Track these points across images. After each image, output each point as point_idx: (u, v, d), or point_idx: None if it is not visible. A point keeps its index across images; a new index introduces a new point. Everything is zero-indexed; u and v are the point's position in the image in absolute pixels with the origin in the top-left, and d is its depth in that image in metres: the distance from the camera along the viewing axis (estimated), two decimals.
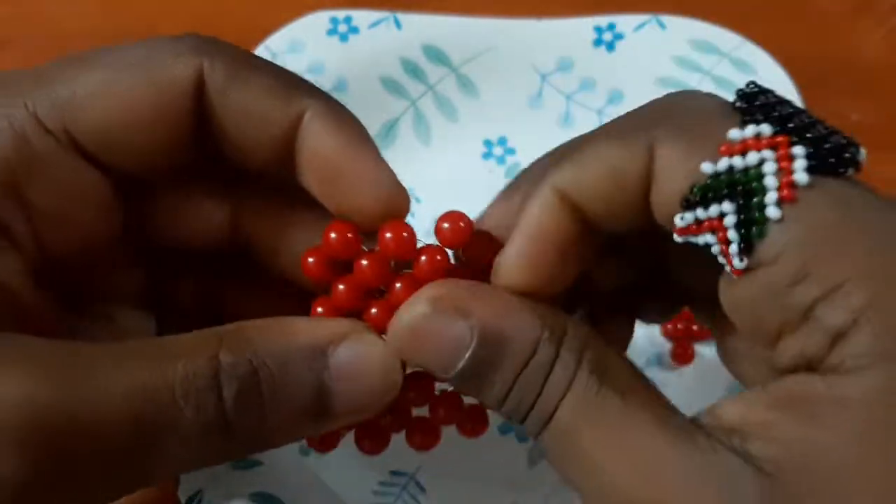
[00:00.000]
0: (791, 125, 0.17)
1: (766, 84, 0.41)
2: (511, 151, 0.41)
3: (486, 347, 0.18)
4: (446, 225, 0.21)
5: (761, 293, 0.17)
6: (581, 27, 0.41)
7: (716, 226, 0.17)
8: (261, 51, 0.40)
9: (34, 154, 0.19)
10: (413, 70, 0.41)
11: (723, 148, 0.17)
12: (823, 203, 0.16)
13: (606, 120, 0.40)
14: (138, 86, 0.19)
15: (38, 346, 0.17)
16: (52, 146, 0.19)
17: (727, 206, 0.17)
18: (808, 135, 0.17)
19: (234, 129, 0.20)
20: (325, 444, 0.22)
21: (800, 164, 0.16)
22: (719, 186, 0.17)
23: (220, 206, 0.23)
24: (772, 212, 0.16)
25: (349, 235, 0.21)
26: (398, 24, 0.41)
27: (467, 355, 0.18)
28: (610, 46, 0.41)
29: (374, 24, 0.41)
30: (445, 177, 0.40)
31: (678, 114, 0.18)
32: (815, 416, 0.16)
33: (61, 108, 0.19)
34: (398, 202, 0.21)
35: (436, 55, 0.41)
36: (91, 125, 0.19)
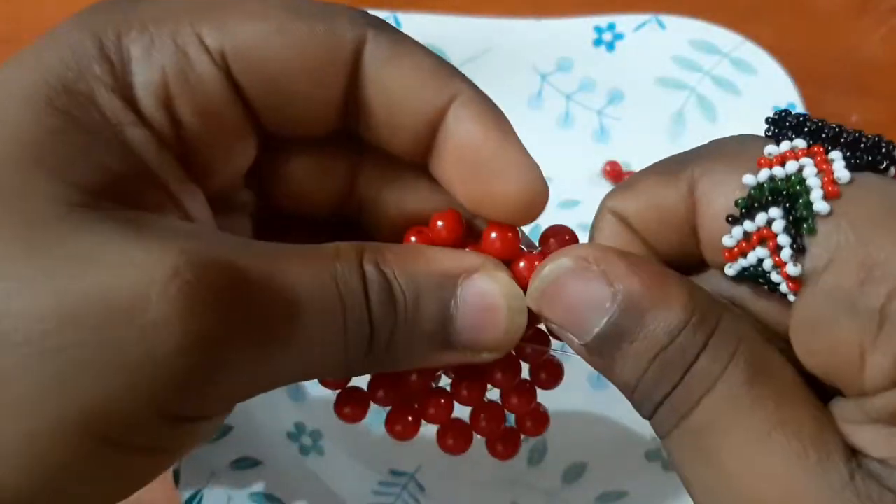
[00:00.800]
0: (823, 135, 0.17)
1: (766, 84, 0.41)
2: None
3: (627, 317, 0.17)
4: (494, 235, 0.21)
5: (829, 305, 0.16)
6: (581, 27, 0.41)
7: (765, 235, 0.17)
8: None
9: (190, 68, 0.19)
10: None
11: (761, 161, 0.17)
12: (869, 196, 0.16)
13: (606, 120, 0.41)
14: (307, 32, 0.19)
15: (215, 230, 0.19)
16: (209, 65, 0.19)
17: (774, 212, 0.17)
18: (842, 139, 0.17)
19: (383, 104, 0.20)
20: (354, 414, 0.22)
21: (839, 164, 0.16)
22: (762, 195, 0.17)
23: (342, 168, 0.23)
24: (820, 206, 0.16)
25: (456, 225, 0.21)
26: (398, 24, 0.41)
27: (604, 321, 0.17)
28: (610, 46, 0.41)
29: None
30: None
31: (715, 147, 0.19)
32: None
33: (225, 33, 0.19)
34: (539, 198, 0.20)
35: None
36: (252, 63, 0.19)
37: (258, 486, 0.30)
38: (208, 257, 0.16)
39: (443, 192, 0.22)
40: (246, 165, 0.22)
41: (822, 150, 0.17)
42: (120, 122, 0.18)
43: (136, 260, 0.16)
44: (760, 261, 0.17)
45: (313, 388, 0.34)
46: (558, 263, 0.18)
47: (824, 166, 0.16)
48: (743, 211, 0.17)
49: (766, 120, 0.18)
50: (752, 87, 0.39)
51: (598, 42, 0.41)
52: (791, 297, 0.17)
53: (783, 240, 0.16)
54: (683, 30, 0.40)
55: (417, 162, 0.21)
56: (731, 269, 0.18)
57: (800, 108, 0.37)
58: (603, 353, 0.18)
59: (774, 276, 0.17)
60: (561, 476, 0.33)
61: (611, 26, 0.40)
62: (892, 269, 0.15)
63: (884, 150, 0.17)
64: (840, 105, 0.42)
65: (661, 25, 0.40)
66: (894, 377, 0.16)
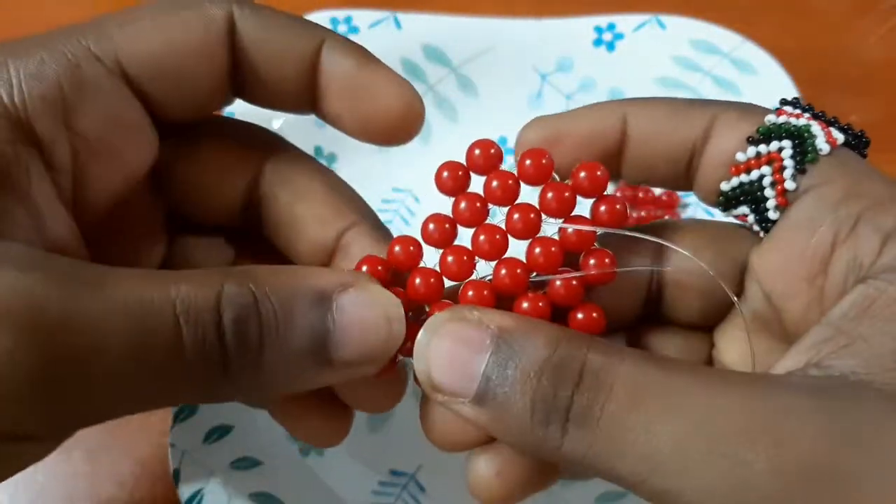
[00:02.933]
0: (824, 118, 0.21)
1: (766, 84, 0.41)
2: (511, 151, 0.40)
3: (506, 346, 0.18)
4: (529, 162, 0.21)
5: (814, 211, 0.19)
6: (581, 27, 0.41)
7: (773, 157, 0.20)
8: None
9: (85, 79, 0.20)
10: (413, 70, 0.41)
11: (779, 111, 0.21)
12: (855, 155, 0.20)
13: None
14: (181, 20, 0.21)
15: (44, 255, 0.18)
16: (103, 72, 0.20)
17: (786, 142, 0.20)
18: (835, 124, 0.21)
19: (263, 64, 0.22)
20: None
21: (836, 132, 0.20)
22: (779, 130, 0.20)
23: (239, 168, 0.24)
24: (822, 145, 0.20)
25: (492, 151, 0.22)
26: (398, 24, 0.41)
27: (487, 357, 0.18)
28: (610, 46, 0.41)
29: (375, 24, 0.41)
30: None
31: (728, 102, 0.22)
32: (882, 313, 0.17)
33: (112, 40, 0.21)
34: (415, 111, 0.23)
35: (436, 55, 0.41)
36: (138, 53, 0.21)
37: (258, 486, 0.30)
38: (31, 301, 0.16)
39: (335, 200, 0.23)
40: (149, 162, 0.22)
41: (823, 123, 0.21)
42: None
43: None
44: (761, 177, 0.20)
45: None
46: (435, 318, 0.19)
47: (825, 129, 0.20)
48: (760, 137, 0.20)
49: (780, 101, 0.22)
50: (752, 87, 0.39)
51: (598, 42, 0.41)
52: (773, 215, 0.20)
53: (788, 162, 0.20)
54: (683, 30, 0.40)
55: (307, 110, 0.23)
56: (727, 185, 0.21)
57: None
58: (494, 391, 0.18)
59: (768, 192, 0.20)
60: None
61: (611, 26, 0.40)
62: (873, 193, 0.19)
63: (865, 141, 0.21)
64: (840, 105, 0.42)
65: (661, 25, 0.40)
66: (849, 273, 0.19)
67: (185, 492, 0.29)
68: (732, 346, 0.22)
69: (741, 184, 0.21)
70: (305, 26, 0.22)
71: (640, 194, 0.40)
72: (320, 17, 0.40)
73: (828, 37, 0.46)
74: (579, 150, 0.22)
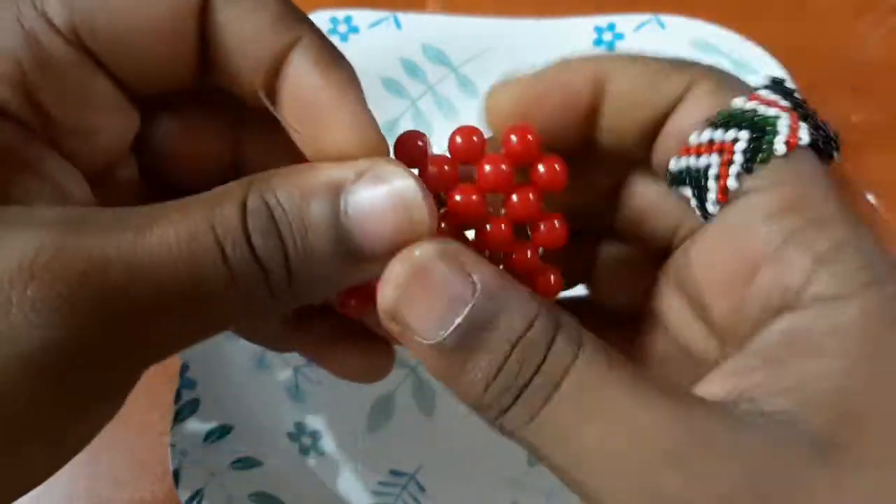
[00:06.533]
0: (802, 110, 0.19)
1: None
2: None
3: (487, 304, 0.17)
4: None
5: (748, 218, 0.18)
6: (581, 27, 0.41)
7: (725, 147, 0.19)
8: None
9: (46, 55, 0.18)
10: (413, 70, 0.41)
11: (752, 95, 0.19)
12: (814, 161, 0.19)
13: None
14: None
15: (84, 211, 0.17)
16: (64, 47, 0.19)
17: (743, 133, 0.19)
18: (811, 120, 0.19)
19: (227, 49, 0.20)
20: (358, 307, 0.21)
21: (804, 130, 0.19)
22: (741, 118, 0.19)
23: (221, 136, 0.23)
24: (779, 147, 0.18)
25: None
26: (398, 24, 0.41)
27: (466, 310, 0.17)
28: (610, 46, 0.40)
29: (375, 24, 0.41)
30: None
31: (715, 69, 0.20)
32: (812, 349, 0.17)
33: (72, 9, 0.19)
34: (374, 151, 0.20)
35: (436, 55, 0.41)
36: (103, 28, 0.19)
37: (258, 486, 0.30)
38: (64, 252, 0.16)
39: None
40: (130, 135, 0.21)
41: (797, 116, 0.19)
42: None
43: None
44: (708, 167, 0.19)
45: (313, 388, 0.34)
46: (420, 252, 0.18)
47: (794, 125, 0.19)
48: (719, 122, 0.19)
49: (770, 78, 0.20)
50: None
51: (598, 42, 0.41)
52: (712, 209, 0.19)
53: (738, 157, 0.18)
54: (683, 30, 0.40)
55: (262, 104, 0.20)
56: (675, 164, 0.20)
57: None
58: (461, 347, 0.17)
59: (710, 184, 0.19)
60: None
61: (611, 26, 0.40)
62: (815, 208, 0.18)
63: (833, 146, 0.19)
64: (840, 105, 0.42)
65: (661, 25, 0.40)
66: (772, 297, 0.18)
67: (185, 492, 0.29)
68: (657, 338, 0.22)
69: (688, 168, 0.19)
70: (283, 17, 0.20)
71: None
72: (320, 17, 0.40)
73: (828, 37, 0.46)
74: (554, 116, 0.21)
